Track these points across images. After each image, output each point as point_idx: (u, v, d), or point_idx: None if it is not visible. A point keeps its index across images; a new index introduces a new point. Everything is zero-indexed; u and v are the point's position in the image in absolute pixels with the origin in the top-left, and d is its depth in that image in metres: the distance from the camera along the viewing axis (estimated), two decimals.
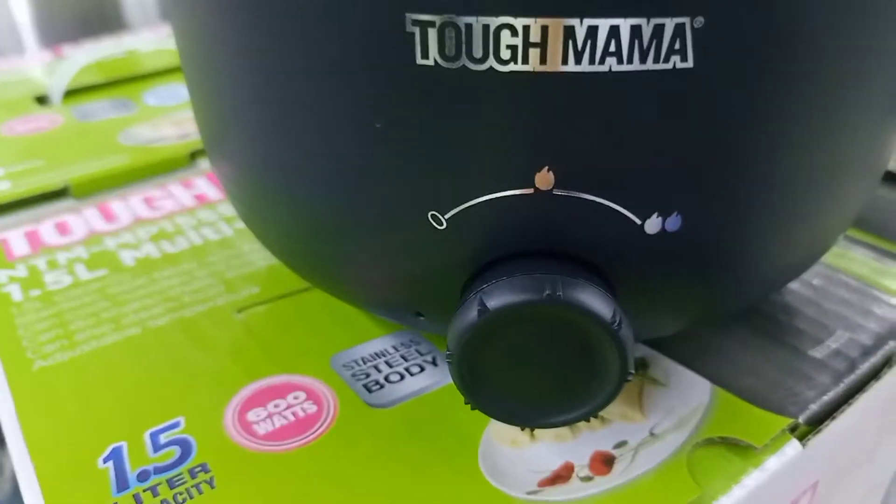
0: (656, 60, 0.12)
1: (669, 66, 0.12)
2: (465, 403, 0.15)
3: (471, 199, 0.14)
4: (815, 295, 0.22)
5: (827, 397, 0.18)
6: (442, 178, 0.14)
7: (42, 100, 0.40)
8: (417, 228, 0.14)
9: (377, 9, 0.12)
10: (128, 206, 0.28)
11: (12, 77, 0.44)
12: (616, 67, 0.12)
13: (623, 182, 0.13)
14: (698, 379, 0.19)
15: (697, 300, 0.17)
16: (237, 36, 0.15)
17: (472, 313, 0.14)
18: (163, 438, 0.17)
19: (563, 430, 0.17)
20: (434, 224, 0.14)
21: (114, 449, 0.17)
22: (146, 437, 0.17)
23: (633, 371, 0.14)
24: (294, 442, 0.17)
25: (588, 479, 0.16)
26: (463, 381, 0.14)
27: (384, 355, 0.20)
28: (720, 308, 0.18)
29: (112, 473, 0.16)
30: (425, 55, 0.13)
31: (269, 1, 0.14)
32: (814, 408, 0.18)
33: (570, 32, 0.12)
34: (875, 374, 0.19)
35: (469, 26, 0.12)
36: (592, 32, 0.12)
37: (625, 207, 0.14)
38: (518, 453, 0.17)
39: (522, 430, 0.17)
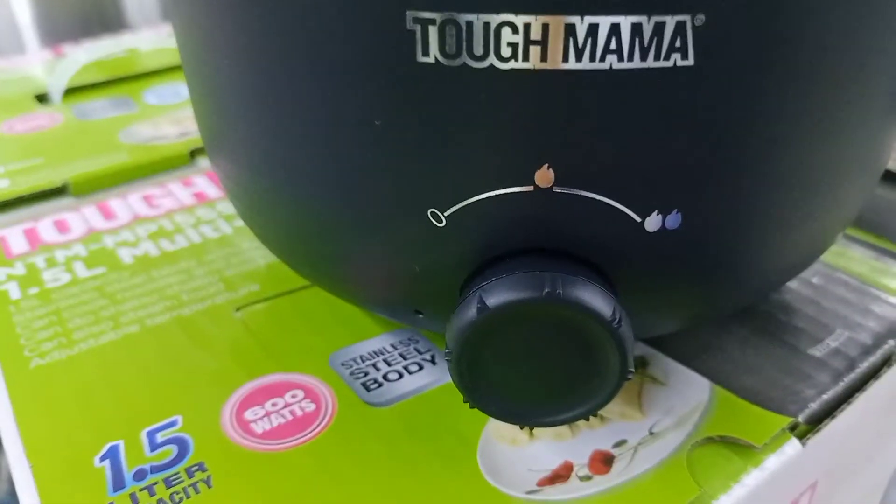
0: (657, 58, 0.12)
1: (670, 63, 0.12)
2: (464, 402, 0.15)
3: (471, 197, 0.14)
4: (815, 294, 0.22)
5: (826, 396, 0.18)
6: (442, 176, 0.14)
7: (42, 98, 0.40)
8: (417, 226, 0.14)
9: (378, 6, 0.12)
10: (127, 204, 0.28)
11: (12, 76, 0.44)
12: (617, 65, 0.12)
13: (623, 180, 0.13)
14: (698, 378, 0.19)
15: (697, 298, 0.16)
16: (237, 34, 0.15)
17: (471, 311, 0.13)
18: (160, 437, 0.17)
19: (563, 429, 0.17)
20: (434, 221, 0.14)
21: (110, 448, 0.17)
22: (143, 435, 0.17)
23: (632, 370, 0.14)
24: (292, 441, 0.17)
25: (587, 478, 0.16)
26: (462, 379, 0.14)
27: (383, 353, 0.20)
28: (720, 306, 0.18)
29: (108, 472, 0.16)
30: (426, 53, 0.12)
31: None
32: (813, 407, 0.18)
33: (570, 30, 0.12)
34: (875, 373, 0.19)
35: (470, 24, 0.12)
36: (593, 30, 0.12)
37: (625, 205, 0.14)
38: (517, 452, 0.17)
39: (521, 428, 0.17)
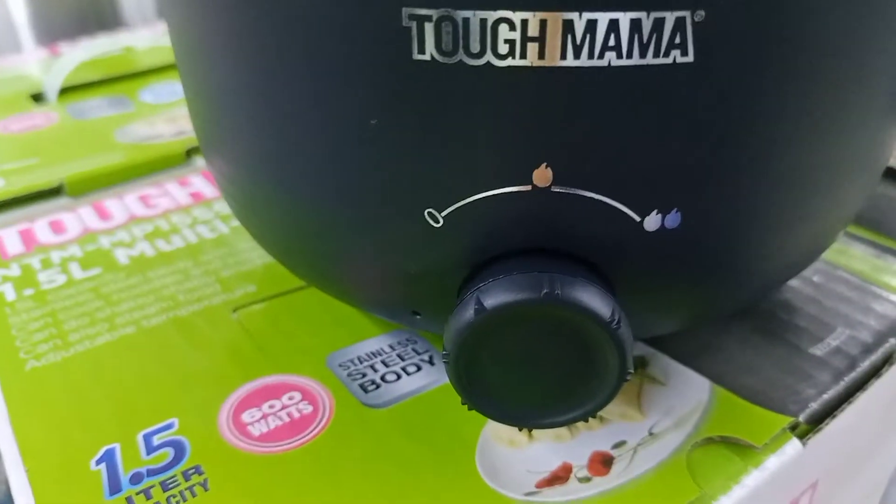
0: (656, 55, 0.12)
1: (669, 60, 0.12)
2: (462, 404, 0.15)
3: (468, 197, 0.14)
4: (816, 292, 0.22)
5: (827, 395, 0.18)
6: (438, 175, 0.14)
7: (38, 97, 0.40)
8: (414, 226, 0.14)
9: (373, 3, 0.12)
10: (123, 204, 0.28)
11: (8, 74, 0.44)
12: (615, 62, 0.12)
13: (622, 179, 0.13)
14: (698, 377, 0.18)
15: (697, 298, 0.16)
16: (231, 32, 0.15)
17: (468, 312, 0.13)
18: (156, 440, 0.17)
19: (562, 430, 0.17)
20: (431, 221, 0.14)
21: (106, 451, 0.17)
22: (139, 438, 0.17)
23: (632, 370, 0.14)
24: (289, 443, 0.17)
25: (586, 479, 0.16)
26: (460, 380, 0.14)
27: (380, 354, 0.20)
28: (720, 306, 0.17)
29: (104, 475, 0.16)
30: (422, 50, 0.12)
31: None
32: (814, 406, 0.17)
33: (568, 26, 0.12)
34: (876, 372, 0.19)
35: (466, 20, 0.12)
36: (591, 26, 0.12)
37: (624, 204, 0.13)
38: (516, 454, 0.17)
39: (520, 430, 0.17)
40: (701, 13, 0.12)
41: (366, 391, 0.18)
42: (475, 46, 0.12)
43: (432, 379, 0.19)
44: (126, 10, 0.76)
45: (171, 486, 0.16)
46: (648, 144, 0.13)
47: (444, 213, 0.14)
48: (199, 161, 0.32)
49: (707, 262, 0.15)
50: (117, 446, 0.17)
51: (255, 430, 0.17)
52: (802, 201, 0.15)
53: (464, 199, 0.14)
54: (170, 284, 0.23)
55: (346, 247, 0.16)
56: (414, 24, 0.12)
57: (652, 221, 0.14)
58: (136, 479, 0.16)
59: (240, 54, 0.15)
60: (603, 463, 0.16)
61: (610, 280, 0.15)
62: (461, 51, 0.12)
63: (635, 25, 0.12)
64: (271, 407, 0.18)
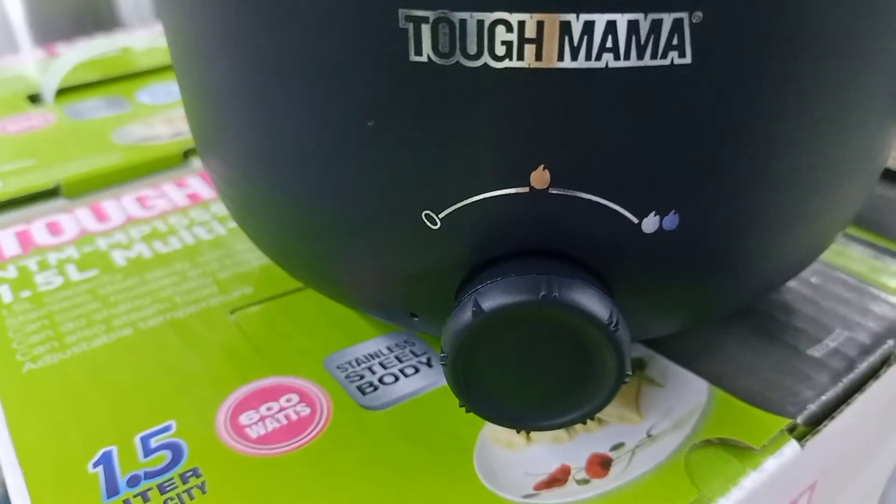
0: (654, 56, 0.12)
1: (667, 62, 0.12)
2: (460, 406, 0.14)
3: (465, 199, 0.14)
4: (814, 293, 0.22)
5: (825, 397, 0.18)
6: (436, 177, 0.14)
7: (35, 98, 0.40)
8: (411, 228, 0.14)
9: (369, 5, 0.12)
10: (120, 205, 0.28)
11: (5, 75, 0.44)
12: (613, 63, 0.12)
13: (620, 181, 0.13)
14: (696, 379, 0.18)
15: (695, 300, 0.16)
16: (228, 33, 0.15)
17: (466, 314, 0.13)
18: (153, 442, 0.17)
19: (560, 432, 0.17)
20: (428, 224, 0.14)
21: (104, 453, 0.17)
22: (136, 440, 0.17)
23: (630, 372, 0.14)
24: (287, 445, 0.17)
25: (585, 481, 0.16)
26: (457, 383, 0.14)
27: (378, 356, 0.20)
28: (718, 307, 0.17)
29: (102, 478, 0.16)
30: (419, 52, 0.12)
31: None
32: (812, 408, 0.17)
33: (566, 28, 0.12)
34: (874, 374, 0.19)
35: (463, 22, 0.12)
36: (589, 28, 0.12)
37: (621, 206, 0.13)
38: (514, 456, 0.17)
39: (518, 432, 0.17)
40: (699, 14, 0.12)
41: (363, 393, 0.18)
42: (472, 48, 0.12)
43: (430, 381, 0.19)
44: (123, 11, 0.76)
45: (168, 488, 0.16)
46: (646, 146, 0.13)
47: (441, 215, 0.14)
48: (196, 162, 0.32)
49: (705, 264, 0.15)
50: (114, 449, 0.17)
51: (253, 433, 0.17)
52: (800, 203, 0.15)
53: (461, 201, 0.14)
54: (167, 286, 0.23)
55: (344, 248, 0.16)
56: (411, 26, 0.12)
57: (650, 223, 0.14)
58: (133, 481, 0.16)
59: (236, 55, 0.15)
60: (601, 465, 0.16)
61: (608, 282, 0.15)
62: (458, 52, 0.12)
63: (633, 27, 0.12)
64: (269, 409, 0.18)
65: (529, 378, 0.14)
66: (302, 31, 0.13)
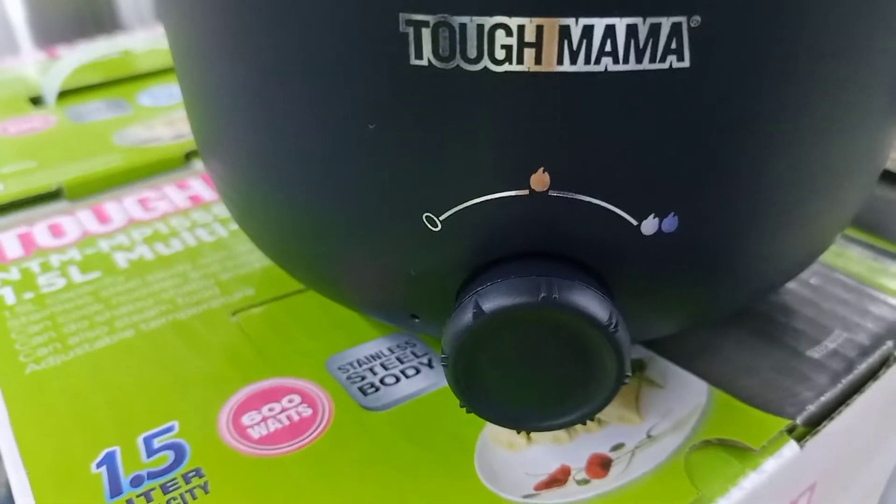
0: (652, 60, 0.12)
1: (666, 65, 0.12)
2: (461, 406, 0.15)
3: (466, 201, 0.14)
4: (813, 295, 0.22)
5: (825, 398, 0.18)
6: (436, 180, 0.14)
7: (36, 100, 0.40)
8: (412, 230, 0.14)
9: (370, 9, 0.12)
10: (122, 207, 0.28)
11: (6, 76, 0.44)
12: (612, 67, 0.12)
13: (619, 183, 0.13)
14: (695, 380, 0.18)
15: (694, 301, 0.16)
16: (229, 35, 0.15)
17: (467, 316, 0.13)
18: (156, 443, 0.17)
19: (560, 433, 0.17)
20: (429, 226, 0.14)
21: (107, 454, 0.17)
22: (140, 441, 0.17)
23: (629, 373, 0.14)
24: (289, 446, 0.17)
25: (585, 482, 0.16)
26: (458, 384, 0.14)
27: (379, 357, 0.20)
28: (717, 309, 0.18)
29: (105, 479, 0.16)
30: (419, 55, 0.12)
31: (260, 1, 0.13)
32: (811, 409, 0.17)
33: (565, 32, 0.12)
34: (873, 375, 0.19)
35: (463, 26, 0.12)
36: (588, 32, 0.12)
37: (621, 208, 0.13)
38: (514, 456, 0.17)
39: (519, 432, 0.17)
40: (697, 18, 0.12)
41: (365, 394, 0.18)
42: (472, 52, 0.12)
43: (431, 382, 0.19)
44: (123, 13, 0.76)
45: (171, 488, 0.16)
46: (645, 149, 0.13)
47: (442, 217, 0.14)
48: (198, 164, 0.32)
49: (704, 266, 0.15)
50: (118, 449, 0.17)
51: (255, 433, 0.17)
52: (799, 204, 0.15)
53: (462, 204, 0.14)
54: (169, 288, 0.23)
55: (345, 250, 0.16)
56: (411, 30, 0.12)
57: (649, 225, 0.14)
58: (136, 481, 0.16)
59: (237, 56, 0.15)
60: (601, 465, 0.16)
61: (608, 283, 0.15)
62: (458, 56, 0.12)
63: (631, 31, 0.12)
64: (271, 410, 0.18)
65: (530, 379, 0.14)
66: (303, 34, 0.13)
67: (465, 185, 0.14)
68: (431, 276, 0.15)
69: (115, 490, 0.16)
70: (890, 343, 0.20)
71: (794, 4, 0.12)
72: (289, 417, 0.18)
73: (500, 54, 0.12)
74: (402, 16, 0.12)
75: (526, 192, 0.13)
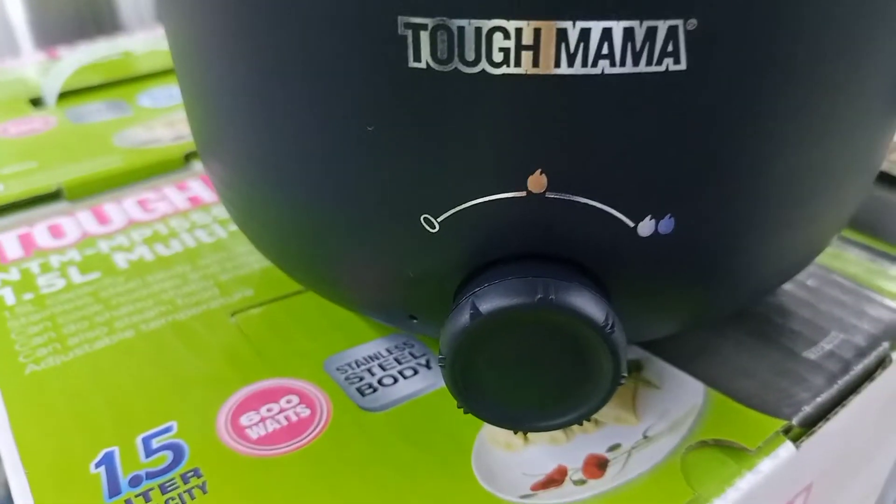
0: (649, 63, 0.12)
1: (662, 68, 0.12)
2: (458, 407, 0.15)
3: (464, 202, 0.14)
4: (810, 296, 0.22)
5: (821, 399, 0.18)
6: (434, 181, 0.14)
7: (36, 102, 0.40)
8: (410, 231, 0.14)
9: (369, 12, 0.12)
10: (121, 208, 0.28)
11: (7, 77, 0.44)
12: (609, 70, 0.12)
13: (616, 185, 0.13)
14: (692, 381, 0.19)
15: (691, 302, 0.16)
16: (229, 36, 0.15)
17: (464, 317, 0.13)
18: (155, 443, 0.17)
19: (558, 433, 0.17)
20: (427, 227, 0.14)
21: (106, 454, 0.17)
22: (138, 441, 0.17)
23: (626, 374, 0.14)
24: (287, 446, 0.17)
25: (581, 482, 0.16)
26: (455, 384, 0.14)
27: (378, 358, 0.20)
28: (714, 310, 0.18)
29: (104, 478, 0.16)
30: (417, 58, 0.12)
31: (260, 4, 0.14)
32: (807, 409, 0.18)
33: (562, 35, 0.12)
34: (869, 376, 0.19)
35: (461, 29, 0.12)
36: (585, 35, 0.12)
37: (617, 210, 0.14)
38: (512, 457, 0.17)
39: (516, 433, 0.17)
40: (693, 21, 0.12)
41: (363, 395, 0.19)
42: (470, 55, 0.12)
43: (429, 383, 0.19)
44: (123, 14, 0.76)
45: (169, 488, 0.16)
46: (641, 151, 0.13)
47: (440, 219, 0.14)
48: (198, 165, 0.32)
49: (701, 267, 0.15)
50: (116, 449, 0.17)
51: (254, 434, 0.17)
52: (796, 206, 0.15)
53: (459, 205, 0.14)
54: (168, 289, 0.23)
55: (343, 251, 0.16)
56: (410, 33, 0.12)
57: (646, 227, 0.14)
58: (135, 481, 0.16)
59: (237, 59, 0.15)
60: (598, 466, 0.16)
61: (605, 284, 0.15)
62: (456, 59, 0.12)
63: (628, 34, 0.12)
64: (269, 410, 0.18)
65: (527, 379, 0.14)
66: (302, 36, 0.13)
67: (463, 187, 0.14)
68: (429, 277, 0.15)
69: (114, 490, 0.16)
70: (886, 344, 0.20)
71: (789, 8, 0.12)
72: (287, 418, 0.18)
73: (497, 57, 0.12)
74: (401, 18, 0.12)
75: (523, 193, 0.13)
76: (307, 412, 0.18)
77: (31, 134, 0.35)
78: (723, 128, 0.13)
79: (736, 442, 0.17)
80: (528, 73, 0.12)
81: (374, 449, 0.17)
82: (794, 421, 0.17)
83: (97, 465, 0.17)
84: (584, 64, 0.12)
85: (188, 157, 0.32)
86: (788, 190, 0.15)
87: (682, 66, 0.12)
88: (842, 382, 0.18)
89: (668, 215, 0.14)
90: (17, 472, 0.17)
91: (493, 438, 0.17)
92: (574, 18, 0.12)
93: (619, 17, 0.12)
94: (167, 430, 0.18)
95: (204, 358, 0.20)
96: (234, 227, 0.26)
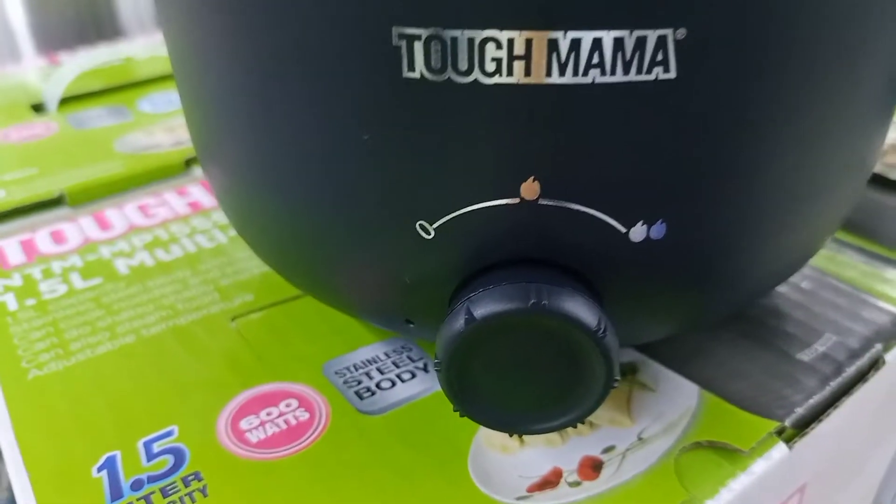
0: (639, 72, 0.12)
1: (652, 77, 0.12)
2: (454, 410, 0.15)
3: (458, 209, 0.14)
4: (805, 299, 0.22)
5: (813, 400, 0.18)
6: (429, 189, 0.14)
7: (38, 107, 0.40)
8: (406, 238, 0.15)
9: (364, 23, 0.13)
10: (122, 214, 0.29)
11: (8, 82, 0.44)
12: (600, 79, 0.12)
13: (607, 191, 0.14)
14: (687, 383, 0.19)
15: (684, 306, 0.17)
16: (226, 46, 0.15)
17: (459, 322, 0.14)
18: (156, 447, 0.17)
19: (553, 436, 0.17)
20: (422, 233, 0.14)
21: (108, 458, 0.17)
22: (140, 445, 0.18)
23: (618, 378, 0.14)
24: (286, 450, 0.17)
25: (576, 484, 0.16)
26: (451, 388, 0.14)
27: (376, 362, 0.20)
28: (707, 314, 0.18)
29: (106, 482, 0.17)
30: (412, 68, 0.13)
31: (258, 13, 0.14)
32: (800, 411, 0.18)
33: (553, 45, 0.12)
34: (862, 377, 0.19)
35: (454, 40, 0.12)
36: (575, 45, 0.12)
37: (609, 216, 0.14)
38: (508, 459, 0.17)
39: (511, 435, 0.17)
40: (682, 31, 0.12)
41: (361, 398, 0.19)
42: (463, 65, 0.12)
43: (426, 386, 0.19)
44: (124, 19, 0.76)
45: (171, 492, 0.16)
46: (632, 158, 0.13)
47: (435, 225, 0.14)
48: (198, 171, 0.32)
49: (693, 271, 0.15)
50: (118, 453, 0.17)
51: (253, 437, 0.18)
52: (788, 211, 0.16)
53: (454, 212, 0.14)
54: (169, 294, 0.23)
55: (340, 257, 0.16)
56: (404, 43, 0.13)
57: (637, 232, 0.14)
58: (136, 485, 0.16)
59: (235, 69, 0.15)
60: (593, 467, 0.17)
61: (598, 289, 0.15)
62: (450, 69, 0.12)
63: (618, 44, 0.12)
64: (269, 414, 0.18)
65: (522, 383, 0.15)
66: (299, 45, 0.14)
67: (458, 194, 0.14)
68: (425, 283, 0.15)
69: (116, 493, 0.16)
70: (879, 346, 0.20)
71: (777, 17, 0.13)
72: (286, 422, 0.18)
73: (490, 67, 0.12)
74: (395, 29, 0.12)
75: (517, 200, 0.14)
76: (306, 416, 0.18)
77: (33, 140, 0.36)
78: (712, 135, 0.13)
79: (729, 443, 0.17)
80: (521, 82, 0.12)
81: (373, 452, 0.17)
82: (787, 422, 0.17)
83: (99, 469, 0.17)
84: (576, 73, 0.12)
85: (188, 163, 0.33)
86: (780, 195, 0.15)
87: (672, 74, 0.12)
88: (834, 384, 0.19)
89: (660, 221, 0.14)
90: (21, 475, 0.17)
91: (489, 441, 0.17)
92: (565, 29, 0.12)
93: (609, 27, 0.12)
94: (168, 434, 0.18)
95: (204, 362, 0.20)
96: (233, 233, 0.27)
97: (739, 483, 0.16)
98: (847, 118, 0.15)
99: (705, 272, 0.16)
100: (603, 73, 0.12)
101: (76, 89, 0.41)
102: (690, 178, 0.14)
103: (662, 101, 0.13)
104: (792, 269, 0.18)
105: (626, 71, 0.12)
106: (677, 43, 0.12)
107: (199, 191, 0.30)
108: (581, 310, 0.13)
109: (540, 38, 0.12)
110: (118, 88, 0.42)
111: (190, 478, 0.17)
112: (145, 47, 0.48)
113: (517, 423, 0.15)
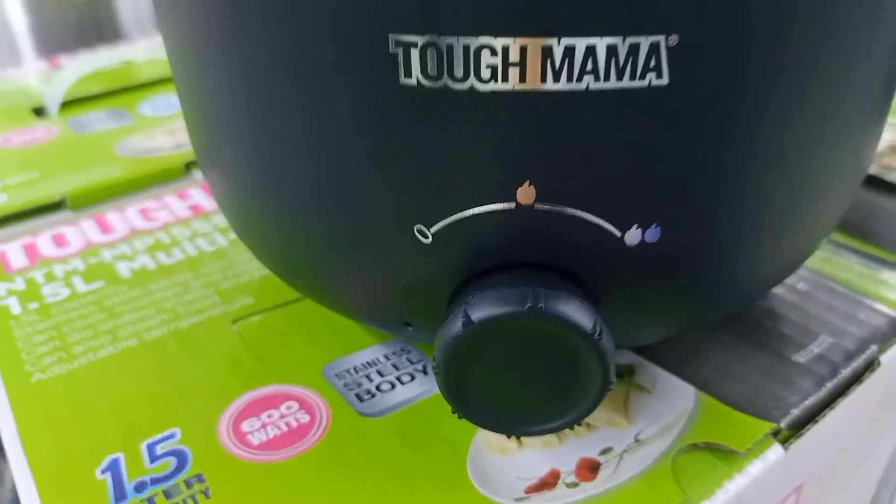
0: (632, 78, 0.13)
1: (645, 83, 0.13)
2: (453, 412, 0.15)
3: (455, 214, 0.14)
4: (801, 300, 0.22)
5: (809, 402, 0.18)
6: (427, 194, 0.14)
7: (39, 111, 0.41)
8: (404, 242, 0.15)
9: (361, 30, 0.13)
10: (124, 217, 0.29)
11: (9, 86, 0.45)
12: (593, 85, 0.13)
13: (602, 196, 0.14)
14: (684, 385, 0.19)
15: (680, 309, 0.17)
16: (225, 51, 0.15)
17: (456, 325, 0.14)
18: (159, 449, 0.18)
19: (551, 437, 0.18)
20: (420, 238, 0.15)
21: (111, 460, 0.17)
22: (143, 448, 0.18)
23: (614, 380, 0.14)
24: (287, 451, 0.17)
25: (574, 485, 0.16)
26: (449, 390, 0.15)
27: (376, 364, 0.20)
28: (703, 316, 0.18)
29: (110, 484, 0.17)
30: (408, 75, 0.13)
31: (256, 20, 0.14)
32: (796, 412, 0.18)
33: (548, 52, 0.12)
34: (857, 378, 0.19)
35: (450, 47, 0.12)
36: (570, 52, 0.12)
37: (605, 220, 0.14)
38: (506, 460, 0.17)
39: (509, 437, 0.18)
40: (675, 37, 0.12)
41: (361, 400, 0.19)
42: (459, 71, 0.13)
43: (426, 388, 0.19)
44: (124, 22, 0.76)
45: (174, 494, 0.16)
46: (626, 163, 0.13)
47: (432, 230, 0.14)
48: (198, 174, 0.32)
49: (688, 275, 0.16)
50: (121, 456, 0.18)
51: (255, 439, 0.18)
52: (782, 213, 0.16)
53: (451, 217, 0.14)
54: (170, 297, 0.23)
55: (339, 261, 0.16)
56: (400, 51, 0.13)
57: (632, 236, 0.14)
58: (140, 487, 0.17)
59: (234, 73, 0.15)
60: (590, 469, 0.17)
61: (594, 292, 0.15)
62: (446, 75, 0.13)
63: (611, 50, 0.12)
64: (270, 416, 0.19)
65: (519, 385, 0.15)
66: (297, 50, 0.14)
67: (454, 199, 0.14)
68: (423, 286, 0.16)
69: (120, 495, 0.16)
70: (875, 347, 0.20)
71: (769, 24, 0.13)
72: (287, 424, 0.18)
73: (485, 74, 0.13)
74: (392, 37, 0.13)
75: (513, 205, 0.14)
76: (307, 418, 0.18)
77: (34, 143, 0.36)
78: (706, 139, 0.14)
79: (725, 445, 0.17)
80: (516, 88, 0.13)
81: (372, 453, 0.17)
82: (783, 424, 0.18)
83: (103, 472, 0.17)
84: (570, 79, 0.12)
85: (189, 166, 0.33)
86: (774, 197, 0.15)
87: (665, 80, 0.13)
88: (830, 385, 0.19)
89: (655, 224, 0.14)
90: (26, 477, 0.17)
91: (487, 443, 0.18)
92: (559, 35, 0.12)
93: (602, 34, 0.12)
94: (170, 436, 0.18)
95: (205, 365, 0.20)
96: (234, 236, 0.27)
97: (735, 484, 0.16)
98: (840, 121, 0.15)
99: (701, 275, 0.16)
100: (597, 79, 0.12)
101: (77, 93, 0.41)
102: (684, 182, 0.14)
103: (656, 107, 0.13)
104: (787, 270, 0.19)
105: (620, 77, 0.13)
106: (670, 49, 0.12)
107: (199, 194, 0.30)
108: (577, 313, 0.14)
109: (534, 45, 0.12)
110: (119, 91, 0.43)
111: (192, 480, 0.17)
112: (146, 50, 0.48)
113: (515, 424, 0.15)
